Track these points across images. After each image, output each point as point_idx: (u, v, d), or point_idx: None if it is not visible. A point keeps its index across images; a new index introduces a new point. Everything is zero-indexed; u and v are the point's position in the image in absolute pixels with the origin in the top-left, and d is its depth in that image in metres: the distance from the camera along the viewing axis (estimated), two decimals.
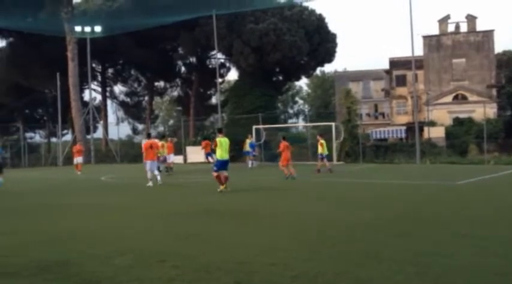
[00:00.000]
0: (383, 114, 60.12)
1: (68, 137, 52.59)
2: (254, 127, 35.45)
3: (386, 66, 54.41)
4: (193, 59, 55.28)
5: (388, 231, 8.16)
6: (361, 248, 6.91)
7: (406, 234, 7.89)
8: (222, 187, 14.98)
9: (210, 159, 26.29)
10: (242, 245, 7.37)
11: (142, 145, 19.97)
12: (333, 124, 34.16)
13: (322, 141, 23.44)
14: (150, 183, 17.99)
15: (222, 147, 15.04)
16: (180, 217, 10.39)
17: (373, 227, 8.60)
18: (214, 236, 8.18)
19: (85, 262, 6.49)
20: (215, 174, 15.09)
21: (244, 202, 12.84)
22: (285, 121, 59.19)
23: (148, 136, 20.82)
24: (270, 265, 6.12)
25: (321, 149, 23.23)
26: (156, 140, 22.79)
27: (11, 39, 50.95)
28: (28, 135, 60.16)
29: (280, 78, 53.49)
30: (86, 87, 51.26)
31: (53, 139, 59.38)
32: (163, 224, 9.60)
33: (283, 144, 20.26)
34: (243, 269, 5.94)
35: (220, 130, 16.53)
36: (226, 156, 15.18)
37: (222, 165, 15.11)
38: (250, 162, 29.90)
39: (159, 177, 18.41)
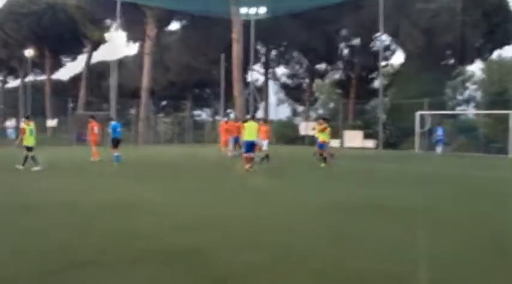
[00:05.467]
0: None
1: (231, 116, 54.60)
2: (418, 113, 33.07)
3: None
4: (356, 41, 53.53)
5: None
6: None
7: None
8: (247, 167, 16.28)
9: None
10: (398, 252, 6.21)
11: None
12: (510, 112, 30.45)
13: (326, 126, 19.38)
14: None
15: (250, 130, 16.63)
16: (333, 210, 9.28)
17: None
18: (368, 237, 7.04)
19: (216, 254, 5.96)
20: (245, 155, 16.68)
21: (413, 198, 11.18)
22: (453, 109, 54.76)
23: None
24: (428, 281, 5.03)
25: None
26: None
27: (184, 21, 53.97)
28: (196, 112, 63.93)
29: (451, 62, 49.43)
30: (250, 68, 52.52)
31: (218, 118, 62.22)
32: (310, 217, 8.65)
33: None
34: None
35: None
36: (252, 138, 16.67)
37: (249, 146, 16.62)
38: (440, 148, 28.31)
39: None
